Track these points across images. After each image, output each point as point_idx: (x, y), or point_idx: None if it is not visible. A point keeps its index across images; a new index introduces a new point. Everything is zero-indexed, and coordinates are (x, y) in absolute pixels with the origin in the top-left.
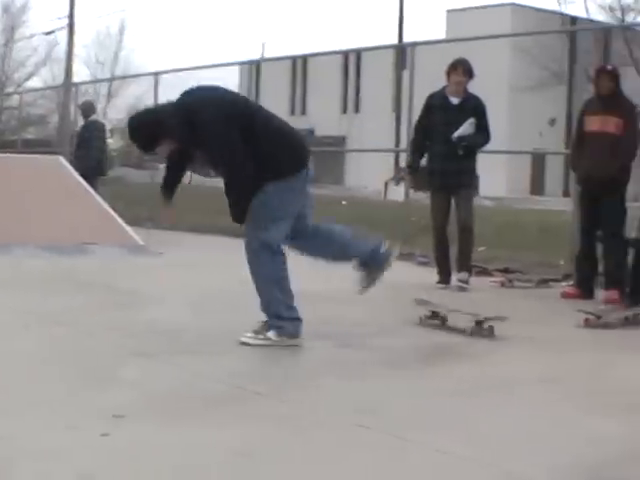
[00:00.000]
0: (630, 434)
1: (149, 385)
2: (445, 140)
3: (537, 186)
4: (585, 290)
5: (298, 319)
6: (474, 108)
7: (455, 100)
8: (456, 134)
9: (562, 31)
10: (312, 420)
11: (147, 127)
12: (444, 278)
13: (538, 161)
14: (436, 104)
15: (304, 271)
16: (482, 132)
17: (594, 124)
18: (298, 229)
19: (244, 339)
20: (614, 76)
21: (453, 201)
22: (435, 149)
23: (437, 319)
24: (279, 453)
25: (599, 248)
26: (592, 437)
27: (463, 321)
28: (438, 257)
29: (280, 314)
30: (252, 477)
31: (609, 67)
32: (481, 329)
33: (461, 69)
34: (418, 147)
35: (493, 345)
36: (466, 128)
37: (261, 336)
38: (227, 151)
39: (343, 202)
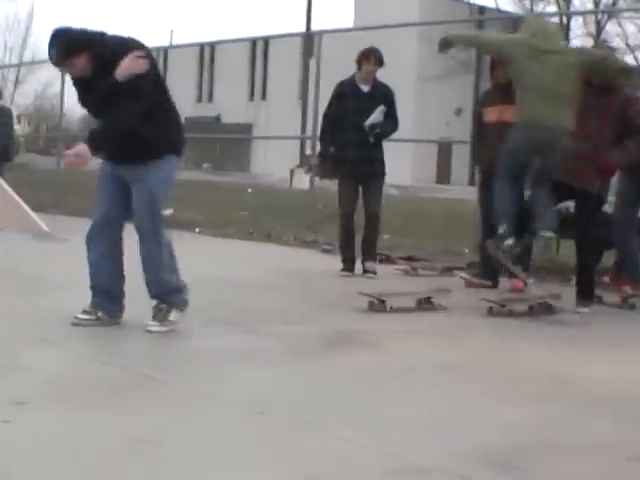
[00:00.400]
0: (536, 422)
1: (51, 372)
2: (357, 128)
3: (443, 175)
4: (489, 278)
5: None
6: (384, 96)
7: (365, 88)
8: (367, 122)
9: (470, 20)
10: (214, 406)
11: (74, 34)
12: (348, 266)
13: (444, 150)
14: (347, 92)
15: (211, 257)
16: (391, 120)
17: (492, 114)
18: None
19: (150, 328)
20: None
21: (360, 189)
22: (346, 137)
23: (383, 304)
24: (182, 439)
25: None
26: (497, 425)
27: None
28: (343, 245)
29: (179, 286)
30: (156, 463)
31: None
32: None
33: (373, 58)
34: (328, 135)
35: (396, 333)
36: (377, 116)
37: (165, 322)
38: (127, 117)
39: (249, 190)
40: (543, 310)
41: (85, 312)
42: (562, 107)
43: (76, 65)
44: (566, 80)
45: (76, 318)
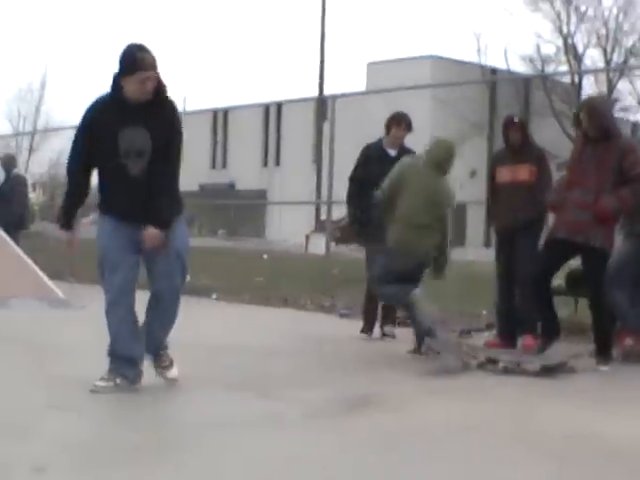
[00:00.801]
0: None
1: (70, 439)
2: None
3: (458, 237)
4: (508, 339)
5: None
6: None
7: (393, 152)
8: None
9: (482, 81)
10: (234, 469)
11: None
12: (369, 327)
13: (459, 212)
14: (374, 155)
15: (229, 323)
16: None
17: (506, 175)
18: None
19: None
20: (522, 127)
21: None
22: (372, 201)
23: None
24: None
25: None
26: None
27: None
28: (367, 310)
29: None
30: None
31: (516, 119)
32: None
33: (404, 124)
34: (356, 198)
35: (417, 395)
36: None
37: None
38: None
39: (264, 256)
40: (560, 370)
41: (103, 379)
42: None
43: (155, 79)
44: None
45: (95, 386)
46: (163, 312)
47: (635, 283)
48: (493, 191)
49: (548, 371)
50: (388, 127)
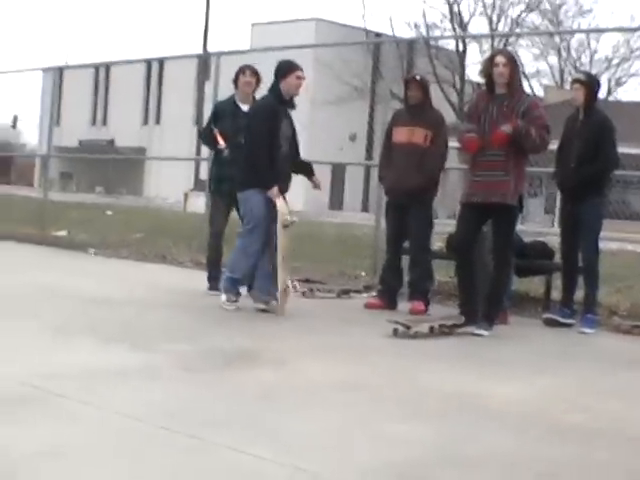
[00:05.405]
0: (440, 438)
1: None
2: (236, 146)
3: (336, 201)
4: (389, 301)
5: None
6: None
7: (245, 107)
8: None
9: (364, 42)
10: (116, 422)
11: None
12: (213, 284)
13: (338, 176)
14: (226, 110)
15: (105, 278)
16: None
17: (402, 135)
18: None
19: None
20: (423, 86)
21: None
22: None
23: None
24: (86, 453)
25: (404, 259)
26: (399, 440)
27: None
28: (210, 263)
29: None
30: (61, 477)
31: (418, 77)
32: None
33: (248, 72)
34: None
35: (298, 353)
36: None
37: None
38: None
39: (108, 212)
40: (444, 332)
41: None
42: None
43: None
44: None
45: None
46: None
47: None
48: (388, 151)
49: (437, 333)
50: (236, 80)
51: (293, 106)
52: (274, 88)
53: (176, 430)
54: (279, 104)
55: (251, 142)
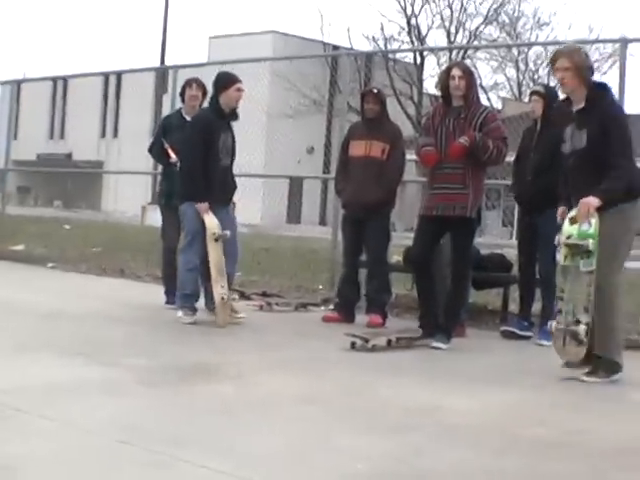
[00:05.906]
0: (395, 451)
1: None
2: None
3: (293, 215)
4: (346, 314)
5: None
6: None
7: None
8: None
9: (321, 55)
10: (74, 436)
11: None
12: (170, 298)
13: (295, 189)
14: (173, 124)
15: (64, 292)
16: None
17: (359, 149)
18: None
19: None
20: (380, 99)
21: None
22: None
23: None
24: (43, 468)
25: (362, 272)
26: (358, 454)
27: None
28: (166, 277)
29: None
30: None
31: (375, 90)
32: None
33: (194, 85)
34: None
35: (256, 367)
36: None
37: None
38: None
39: (66, 226)
40: (402, 345)
41: None
42: None
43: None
44: None
45: None
46: None
47: None
48: (344, 164)
49: (395, 346)
50: (182, 93)
51: (235, 117)
52: (213, 101)
53: (135, 444)
54: (218, 117)
55: (186, 154)
